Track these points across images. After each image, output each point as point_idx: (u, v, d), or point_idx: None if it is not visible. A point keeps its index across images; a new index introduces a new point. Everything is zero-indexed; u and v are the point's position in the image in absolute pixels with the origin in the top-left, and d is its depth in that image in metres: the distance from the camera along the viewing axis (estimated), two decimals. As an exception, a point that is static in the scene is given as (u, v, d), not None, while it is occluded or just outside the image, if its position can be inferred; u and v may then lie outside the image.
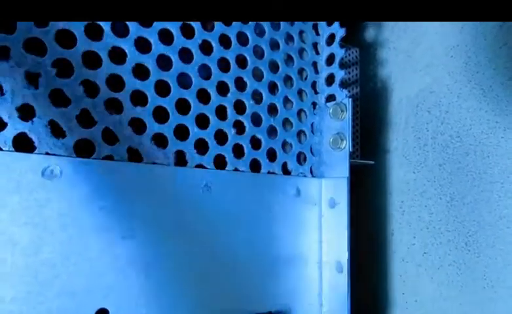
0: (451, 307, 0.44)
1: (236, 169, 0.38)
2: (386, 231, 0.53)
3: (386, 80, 0.55)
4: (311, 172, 0.44)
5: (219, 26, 0.38)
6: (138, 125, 0.33)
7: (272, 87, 0.43)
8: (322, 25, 0.47)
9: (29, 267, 0.27)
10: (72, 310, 0.29)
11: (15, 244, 0.27)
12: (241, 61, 0.40)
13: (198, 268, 0.35)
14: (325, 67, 0.46)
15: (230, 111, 0.39)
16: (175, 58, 0.35)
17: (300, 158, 0.44)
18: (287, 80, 0.44)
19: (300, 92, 0.44)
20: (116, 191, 0.31)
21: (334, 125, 0.44)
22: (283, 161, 0.42)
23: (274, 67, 0.42)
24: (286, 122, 0.43)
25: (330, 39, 0.46)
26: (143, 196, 0.32)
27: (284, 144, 0.43)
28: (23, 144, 0.28)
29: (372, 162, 0.50)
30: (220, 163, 0.37)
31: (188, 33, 0.36)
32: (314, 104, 0.45)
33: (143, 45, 0.34)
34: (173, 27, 0.36)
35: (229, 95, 0.39)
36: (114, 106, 0.32)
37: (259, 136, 0.41)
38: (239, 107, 0.40)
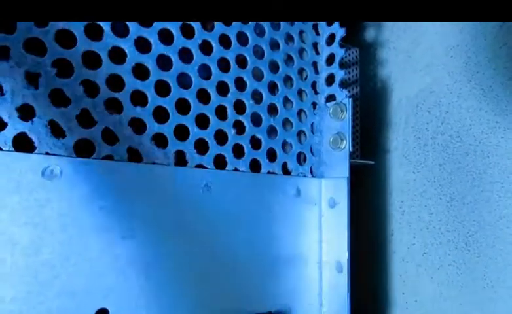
0: (451, 307, 0.44)
1: (236, 169, 0.38)
2: (386, 231, 0.53)
3: (386, 80, 0.55)
4: (311, 172, 0.44)
5: (219, 26, 0.38)
6: (138, 125, 0.33)
7: (272, 87, 0.42)
8: (322, 25, 0.47)
9: (29, 267, 0.27)
10: (72, 310, 0.29)
11: (15, 245, 0.27)
12: (241, 61, 0.40)
13: (198, 268, 0.35)
14: (325, 67, 0.46)
15: (230, 111, 0.39)
16: (175, 58, 0.35)
17: (300, 158, 0.44)
18: (287, 80, 0.44)
19: (300, 92, 0.44)
20: (116, 191, 0.31)
21: (334, 125, 0.44)
22: (283, 161, 0.42)
23: (273, 67, 0.42)
24: (286, 122, 0.43)
25: (330, 39, 0.46)
26: (143, 196, 0.32)
27: (284, 144, 0.43)
28: (23, 144, 0.28)
29: (372, 162, 0.50)
30: (220, 163, 0.37)
31: (188, 33, 0.36)
32: (314, 104, 0.45)
33: (143, 45, 0.34)
34: (173, 27, 0.36)
35: (229, 95, 0.39)
36: (114, 106, 0.32)
37: (259, 136, 0.41)
38: (239, 107, 0.40)
